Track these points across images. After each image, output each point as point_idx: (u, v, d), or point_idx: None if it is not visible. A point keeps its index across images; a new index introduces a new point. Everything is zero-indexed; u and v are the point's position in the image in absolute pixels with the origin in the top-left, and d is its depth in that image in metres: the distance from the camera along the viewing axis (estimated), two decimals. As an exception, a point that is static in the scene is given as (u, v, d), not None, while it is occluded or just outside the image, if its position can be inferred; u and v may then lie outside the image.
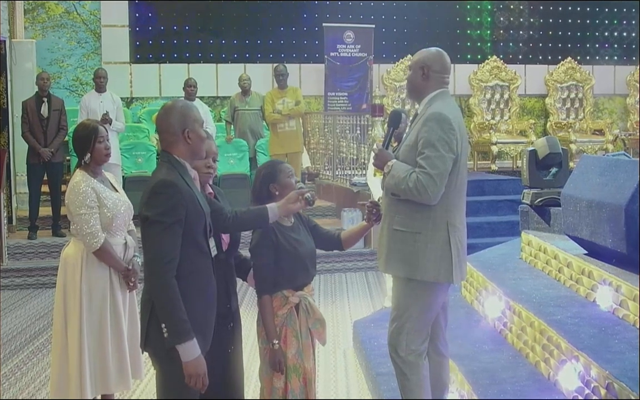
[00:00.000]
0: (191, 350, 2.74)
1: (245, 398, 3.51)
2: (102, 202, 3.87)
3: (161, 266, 2.73)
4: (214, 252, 3.00)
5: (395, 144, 4.25)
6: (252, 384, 4.93)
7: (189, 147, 2.91)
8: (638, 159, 5.75)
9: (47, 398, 4.80)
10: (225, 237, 3.34)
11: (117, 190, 4.05)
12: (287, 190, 3.39)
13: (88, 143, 3.89)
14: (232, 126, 10.11)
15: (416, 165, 3.30)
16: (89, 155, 3.90)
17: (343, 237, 3.67)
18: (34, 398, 4.92)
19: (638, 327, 3.83)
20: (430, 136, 3.29)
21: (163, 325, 2.74)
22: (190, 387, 2.77)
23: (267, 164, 3.65)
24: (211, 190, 3.39)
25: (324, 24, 11.37)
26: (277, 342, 3.35)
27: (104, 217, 3.87)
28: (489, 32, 12.72)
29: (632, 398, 3.04)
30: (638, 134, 11.94)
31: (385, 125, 9.54)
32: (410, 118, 3.65)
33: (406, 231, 3.37)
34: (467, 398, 3.93)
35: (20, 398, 4.93)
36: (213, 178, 3.44)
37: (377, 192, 3.59)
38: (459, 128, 3.36)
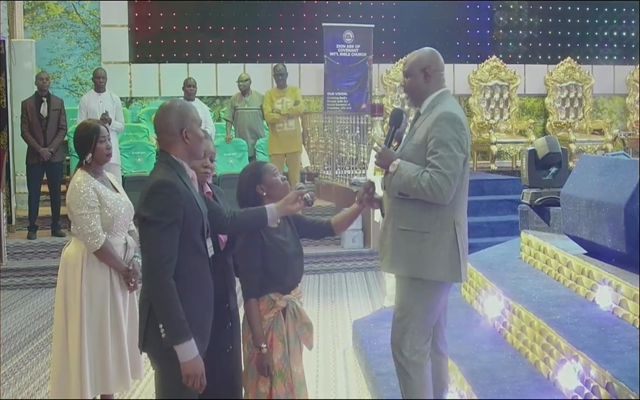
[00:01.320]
0: (189, 351, 2.74)
1: (243, 398, 3.50)
2: (102, 202, 3.87)
3: (159, 266, 2.73)
4: (211, 252, 2.99)
5: (395, 144, 4.25)
6: (251, 384, 4.93)
7: (187, 147, 2.90)
8: (637, 158, 5.76)
9: (47, 398, 4.80)
10: (223, 237, 3.32)
11: (117, 191, 4.05)
12: (274, 189, 3.38)
13: (89, 143, 3.89)
14: (232, 126, 10.12)
15: (424, 164, 3.30)
16: (90, 155, 3.90)
17: (334, 221, 3.61)
18: (33, 398, 4.92)
19: (637, 326, 3.83)
20: (443, 136, 3.28)
21: (161, 325, 2.74)
22: (189, 387, 2.77)
23: (250, 166, 3.60)
24: (210, 190, 3.38)
25: (323, 24, 11.37)
26: (265, 346, 3.29)
27: (105, 217, 3.87)
28: (488, 31, 12.72)
29: (632, 398, 3.04)
30: (637, 133, 11.94)
31: (385, 125, 9.55)
32: (411, 118, 3.64)
33: (413, 231, 3.36)
34: (466, 398, 3.93)
35: (20, 398, 4.93)
36: (212, 178, 3.43)
37: (377, 191, 3.58)
38: (466, 127, 3.37)
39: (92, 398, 3.88)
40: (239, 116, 10.01)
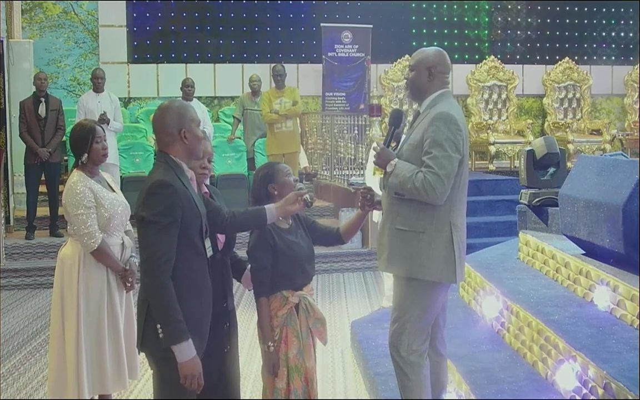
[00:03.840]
0: (187, 351, 2.73)
1: (241, 398, 3.50)
2: (99, 202, 3.87)
3: (157, 266, 2.72)
4: (209, 252, 2.99)
5: (394, 144, 4.25)
6: (249, 384, 4.93)
7: (186, 147, 2.90)
8: (636, 158, 5.76)
9: (44, 398, 4.79)
10: (221, 237, 3.33)
11: (114, 191, 4.04)
12: (285, 189, 3.40)
13: (85, 143, 3.89)
14: (240, 124, 10.17)
15: (421, 164, 3.30)
16: (86, 155, 3.89)
17: (342, 230, 3.64)
18: (31, 398, 4.92)
19: (636, 327, 3.83)
20: (438, 136, 3.28)
21: (158, 325, 2.73)
22: (187, 387, 2.77)
23: (265, 165, 3.67)
24: (206, 190, 3.38)
25: (321, 24, 11.37)
26: (272, 344, 3.33)
27: (101, 217, 3.87)
28: (486, 32, 12.73)
29: (630, 398, 3.04)
30: (635, 133, 11.95)
31: (383, 125, 9.55)
32: (410, 118, 3.64)
33: (409, 231, 3.36)
34: (465, 398, 3.93)
35: (18, 398, 4.92)
36: (210, 178, 3.43)
37: (376, 191, 3.59)
38: (464, 128, 3.37)
39: (89, 398, 3.88)
40: (248, 116, 10.08)
